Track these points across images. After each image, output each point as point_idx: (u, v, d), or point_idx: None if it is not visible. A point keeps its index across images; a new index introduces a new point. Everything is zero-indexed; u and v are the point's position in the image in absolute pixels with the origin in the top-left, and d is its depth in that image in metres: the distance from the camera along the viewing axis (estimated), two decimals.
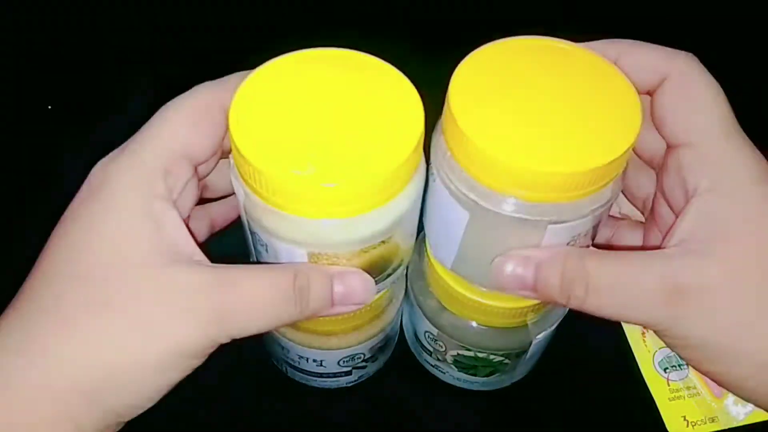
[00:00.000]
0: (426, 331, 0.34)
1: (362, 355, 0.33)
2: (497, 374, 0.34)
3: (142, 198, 0.22)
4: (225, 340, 0.22)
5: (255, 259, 0.28)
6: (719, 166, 0.23)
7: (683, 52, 0.26)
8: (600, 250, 0.25)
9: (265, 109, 0.23)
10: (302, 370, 0.34)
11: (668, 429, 0.35)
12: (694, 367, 0.24)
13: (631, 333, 0.38)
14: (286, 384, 0.36)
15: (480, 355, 0.33)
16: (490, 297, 0.30)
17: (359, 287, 0.25)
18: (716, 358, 0.23)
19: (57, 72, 0.50)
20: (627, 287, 0.23)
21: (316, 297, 0.24)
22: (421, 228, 0.30)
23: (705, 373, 0.24)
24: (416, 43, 0.50)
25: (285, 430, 0.35)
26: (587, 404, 0.36)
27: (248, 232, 0.26)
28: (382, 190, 0.23)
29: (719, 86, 0.25)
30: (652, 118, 0.26)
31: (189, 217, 0.25)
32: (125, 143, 0.24)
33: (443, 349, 0.34)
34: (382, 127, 0.23)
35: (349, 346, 0.32)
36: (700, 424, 0.35)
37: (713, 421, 0.35)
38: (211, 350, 0.22)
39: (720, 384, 0.24)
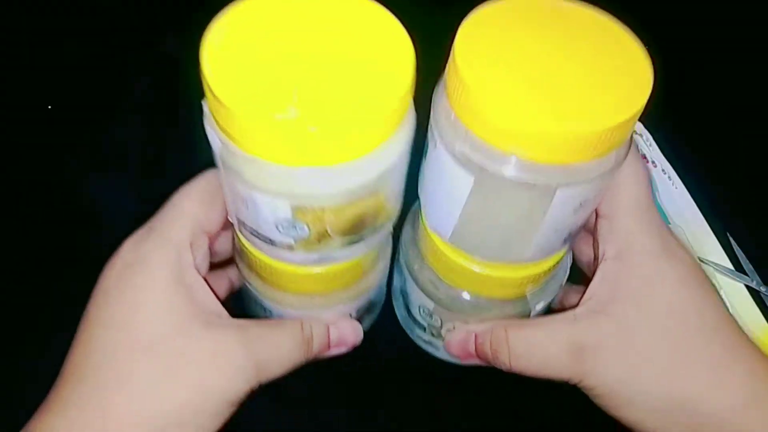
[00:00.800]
0: (420, 306, 0.33)
1: (347, 317, 0.32)
2: None
3: (174, 271, 0.26)
4: (256, 386, 0.26)
5: (234, 219, 0.27)
6: (625, 237, 0.27)
7: None
8: (521, 320, 0.30)
9: (241, 50, 0.22)
10: None
11: None
12: (611, 415, 0.28)
13: None
14: None
15: None
16: (488, 267, 0.29)
17: (350, 332, 0.30)
18: (619, 405, 0.27)
19: (57, 72, 0.50)
20: (539, 350, 0.27)
21: (318, 342, 0.29)
22: (415, 197, 0.29)
23: (616, 419, 0.28)
24: None
25: (272, 410, 0.35)
26: (586, 404, 0.36)
27: (228, 190, 0.25)
28: (368, 136, 0.22)
29: (642, 166, 0.28)
30: None
31: (206, 278, 0.29)
32: (149, 223, 0.28)
33: (438, 324, 0.33)
34: (370, 69, 0.22)
35: (334, 305, 0.31)
36: None
37: None
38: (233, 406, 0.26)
39: (630, 427, 0.28)
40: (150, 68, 0.50)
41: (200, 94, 0.24)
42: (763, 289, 0.40)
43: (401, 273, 0.34)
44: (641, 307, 0.26)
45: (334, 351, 0.30)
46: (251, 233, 0.26)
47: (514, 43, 0.23)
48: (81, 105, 0.48)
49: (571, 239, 0.28)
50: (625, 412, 0.27)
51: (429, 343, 0.35)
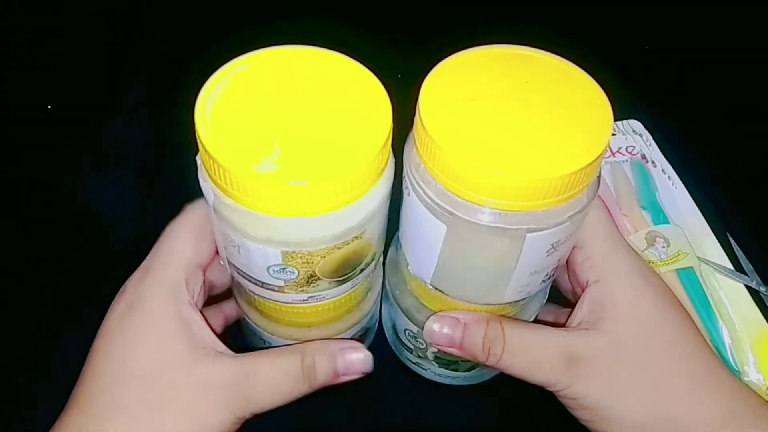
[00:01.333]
0: (406, 329, 0.34)
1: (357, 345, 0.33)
2: (477, 368, 0.34)
3: (171, 309, 0.27)
4: (249, 416, 0.27)
5: (226, 263, 0.28)
6: (601, 263, 0.29)
7: None
8: (516, 319, 0.30)
9: (231, 107, 0.23)
10: None
11: None
12: (590, 429, 0.28)
13: None
14: None
15: None
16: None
17: (358, 361, 0.29)
18: (604, 417, 0.27)
19: (57, 72, 0.50)
20: (535, 351, 0.28)
21: (322, 372, 0.28)
22: (397, 226, 0.29)
23: (593, 429, 0.28)
24: (392, 42, 0.50)
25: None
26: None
27: (220, 236, 0.26)
28: (353, 187, 0.23)
29: (601, 204, 0.30)
30: None
31: (202, 311, 0.30)
32: (145, 263, 0.29)
33: (423, 346, 0.33)
34: (352, 122, 0.23)
35: (332, 335, 0.32)
36: None
37: None
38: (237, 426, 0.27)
39: None
40: (150, 68, 0.50)
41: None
42: (762, 289, 0.40)
43: (387, 298, 0.34)
44: (628, 326, 0.28)
45: (344, 379, 0.30)
46: (242, 276, 0.28)
47: (478, 93, 0.24)
48: (81, 105, 0.48)
49: (550, 279, 0.29)
50: (606, 427, 0.28)
51: (416, 364, 0.36)
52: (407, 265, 0.31)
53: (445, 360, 0.34)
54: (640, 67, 0.54)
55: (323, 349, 0.29)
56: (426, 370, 0.35)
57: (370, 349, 0.30)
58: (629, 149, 0.47)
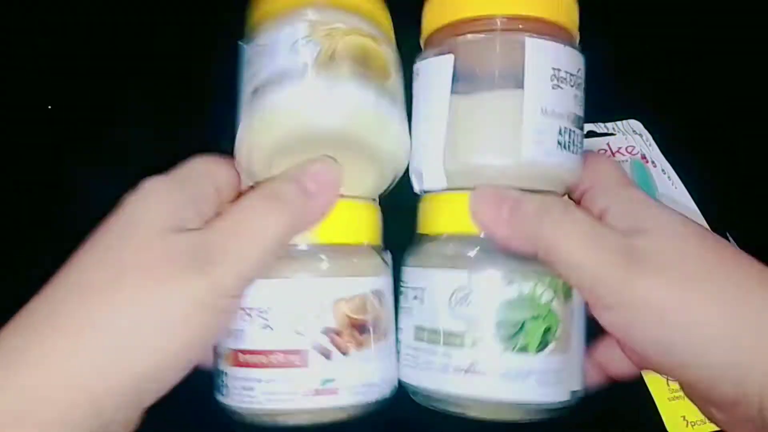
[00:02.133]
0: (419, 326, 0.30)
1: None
2: (552, 344, 0.27)
3: (168, 190, 0.27)
4: (233, 280, 0.25)
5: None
6: (616, 192, 0.28)
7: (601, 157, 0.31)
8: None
9: None
10: None
11: (668, 429, 0.35)
12: (659, 365, 0.25)
13: None
14: None
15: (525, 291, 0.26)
16: None
17: (323, 169, 0.28)
18: (682, 330, 0.24)
19: (57, 72, 0.50)
20: (593, 232, 0.25)
21: (292, 197, 0.27)
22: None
23: (642, 346, 0.25)
24: None
25: None
26: (586, 403, 0.36)
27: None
28: None
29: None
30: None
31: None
32: (171, 171, 0.29)
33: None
34: None
35: None
36: (699, 424, 0.35)
37: None
38: (226, 300, 0.25)
39: (671, 372, 0.25)
40: (150, 68, 0.50)
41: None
42: None
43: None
44: (678, 232, 0.26)
45: (320, 201, 0.28)
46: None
47: None
48: (81, 105, 0.48)
49: (569, 141, 0.28)
50: (686, 345, 0.24)
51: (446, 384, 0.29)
52: (420, 182, 0.29)
53: (505, 327, 0.26)
54: (640, 67, 0.54)
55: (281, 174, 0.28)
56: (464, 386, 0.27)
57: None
58: (629, 149, 0.47)
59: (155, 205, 0.27)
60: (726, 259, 0.25)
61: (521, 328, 0.26)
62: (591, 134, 0.49)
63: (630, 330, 0.25)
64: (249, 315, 0.27)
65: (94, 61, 0.50)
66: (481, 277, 0.27)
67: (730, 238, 0.42)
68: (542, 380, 0.26)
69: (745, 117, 0.50)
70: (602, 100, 0.51)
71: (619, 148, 0.48)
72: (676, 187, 0.45)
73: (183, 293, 0.25)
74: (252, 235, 0.26)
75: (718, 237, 0.26)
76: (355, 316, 0.28)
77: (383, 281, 0.29)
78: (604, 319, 0.26)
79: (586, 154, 0.30)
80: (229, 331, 0.28)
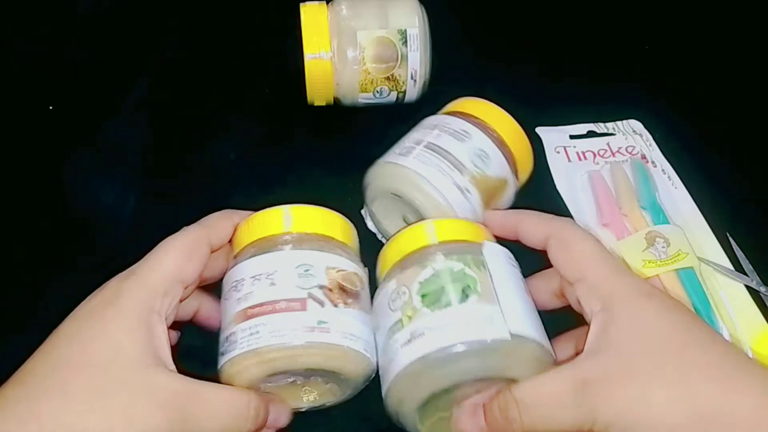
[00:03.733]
0: None
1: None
2: (472, 296, 0.31)
3: (143, 312, 0.29)
4: None
5: None
6: (603, 290, 0.30)
7: (560, 217, 0.34)
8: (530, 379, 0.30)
9: None
10: None
11: None
12: None
13: None
14: None
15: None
16: None
17: (283, 414, 0.32)
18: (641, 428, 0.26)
19: (57, 72, 0.50)
20: (547, 397, 0.28)
21: (260, 416, 0.30)
22: None
23: None
24: None
25: None
26: None
27: None
28: None
29: (589, 233, 0.32)
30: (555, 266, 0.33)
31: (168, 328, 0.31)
32: (133, 267, 0.31)
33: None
34: None
35: None
36: None
37: None
38: None
39: None
40: (150, 68, 0.50)
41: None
42: (762, 289, 0.40)
43: None
44: (637, 338, 0.28)
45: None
46: None
47: None
48: (82, 105, 0.48)
49: None
50: None
51: None
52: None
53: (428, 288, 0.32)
54: (640, 66, 0.54)
55: (274, 400, 0.31)
56: None
57: None
58: (629, 149, 0.47)
59: (132, 332, 0.28)
60: (687, 356, 0.27)
61: (442, 292, 0.31)
62: (591, 134, 0.48)
63: None
64: (258, 279, 0.32)
65: (95, 61, 0.50)
66: (405, 275, 0.33)
67: (731, 239, 0.42)
68: (472, 323, 0.30)
69: (746, 117, 0.50)
70: (602, 100, 0.51)
71: (619, 148, 0.47)
72: (676, 187, 0.45)
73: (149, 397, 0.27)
74: (219, 424, 0.29)
75: (688, 324, 0.28)
76: (344, 283, 0.33)
77: (364, 272, 0.35)
78: None
79: (551, 228, 0.33)
80: (237, 299, 0.32)
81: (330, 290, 0.32)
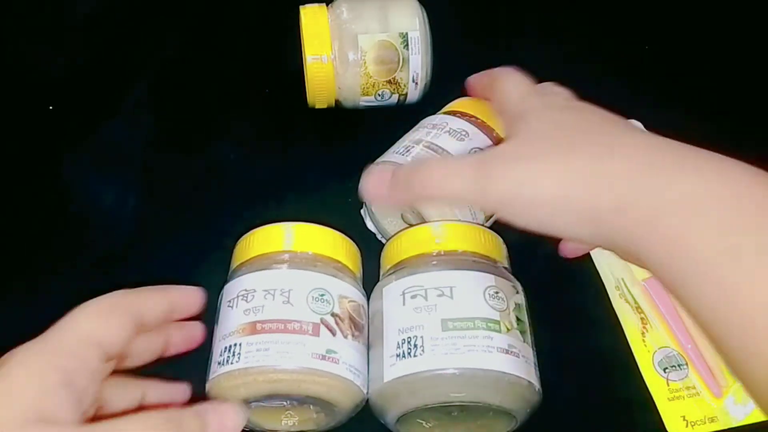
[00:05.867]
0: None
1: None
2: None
3: (36, 370, 0.25)
4: None
5: None
6: (517, 109, 0.31)
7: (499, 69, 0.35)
8: None
9: None
10: None
11: (668, 429, 0.35)
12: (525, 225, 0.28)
13: (631, 333, 0.38)
14: None
15: None
16: None
17: (230, 409, 0.27)
18: (527, 204, 0.27)
19: (57, 72, 0.50)
20: (450, 169, 0.29)
21: (188, 420, 0.26)
22: None
23: (544, 235, 0.28)
24: None
25: None
26: (587, 404, 0.36)
27: None
28: None
29: (524, 78, 0.33)
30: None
31: (93, 402, 0.27)
32: (47, 331, 0.27)
33: None
34: None
35: None
36: (699, 424, 0.35)
37: (713, 421, 0.35)
38: None
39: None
40: (150, 69, 0.50)
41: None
42: None
43: None
44: (533, 130, 0.29)
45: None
46: None
47: None
48: (82, 105, 0.48)
49: None
50: (530, 220, 0.27)
51: None
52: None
53: None
54: (640, 66, 0.54)
55: (192, 407, 0.27)
56: None
57: None
58: None
59: (20, 390, 0.24)
60: (577, 134, 0.28)
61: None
62: None
63: (512, 220, 0.28)
64: (271, 294, 0.32)
65: (95, 62, 0.50)
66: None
67: None
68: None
69: (747, 117, 0.50)
70: (602, 100, 0.51)
71: None
72: None
73: None
74: None
75: (588, 112, 0.30)
76: (354, 314, 0.33)
77: (366, 306, 0.35)
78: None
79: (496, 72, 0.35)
80: (245, 310, 0.32)
81: (341, 319, 0.32)
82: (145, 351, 0.31)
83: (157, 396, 0.31)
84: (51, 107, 0.47)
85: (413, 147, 0.38)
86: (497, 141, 0.39)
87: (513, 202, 0.27)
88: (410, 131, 0.41)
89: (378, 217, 0.41)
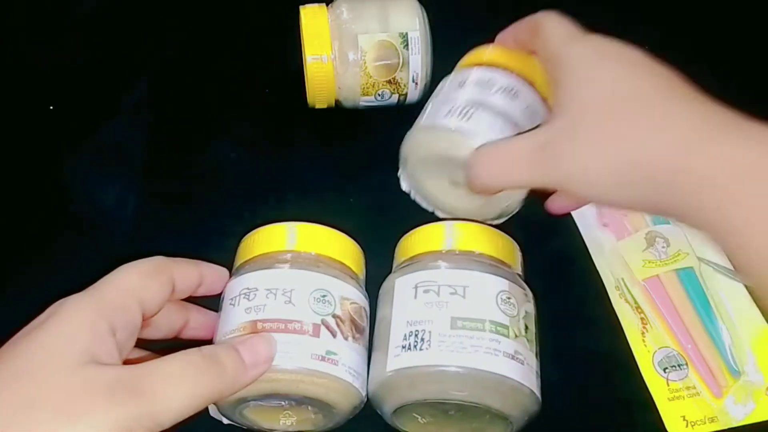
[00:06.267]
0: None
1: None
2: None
3: (87, 318, 0.27)
4: (149, 423, 0.25)
5: None
6: (561, 60, 0.31)
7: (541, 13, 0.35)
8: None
9: None
10: None
11: (668, 429, 0.35)
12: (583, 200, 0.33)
13: (631, 333, 0.38)
14: None
15: None
16: None
17: (262, 342, 0.30)
18: (590, 185, 0.28)
19: (57, 72, 0.50)
20: (509, 153, 0.32)
21: (225, 357, 0.28)
22: None
23: (603, 201, 0.30)
24: None
25: None
26: (587, 404, 0.36)
27: None
28: None
29: (564, 20, 0.33)
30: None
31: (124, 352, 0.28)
32: (95, 284, 0.29)
33: None
34: None
35: None
36: (699, 424, 0.35)
37: (713, 421, 0.35)
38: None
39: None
40: (150, 68, 0.50)
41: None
42: None
43: None
44: (585, 99, 0.29)
45: (254, 371, 0.29)
46: None
47: None
48: (81, 105, 0.48)
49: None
50: (599, 192, 0.28)
51: None
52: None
53: None
54: None
55: (224, 341, 0.30)
56: None
57: None
58: None
59: (75, 335, 0.26)
60: (631, 103, 0.28)
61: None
62: None
63: (578, 194, 0.30)
64: (273, 293, 0.31)
65: (95, 62, 0.50)
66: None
67: None
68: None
69: (748, 115, 0.50)
70: None
71: None
72: None
73: (102, 425, 0.24)
74: (183, 386, 0.26)
75: (640, 74, 0.30)
76: (355, 316, 0.33)
77: (368, 308, 0.35)
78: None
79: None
80: (247, 309, 0.31)
81: (342, 321, 0.32)
82: (166, 324, 0.33)
83: (197, 321, 0.34)
84: (51, 107, 0.47)
85: (471, 110, 0.36)
86: (540, 96, 0.37)
87: (581, 179, 0.28)
88: (449, 84, 0.39)
89: (422, 177, 0.40)
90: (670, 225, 0.42)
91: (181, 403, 0.26)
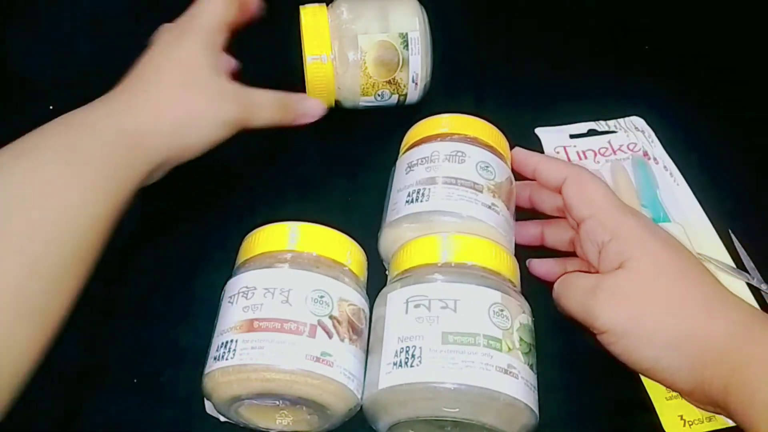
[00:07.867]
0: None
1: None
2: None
3: (208, 39, 0.39)
4: (245, 123, 0.39)
5: None
6: (613, 224, 0.35)
7: (575, 164, 0.40)
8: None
9: None
10: None
11: (665, 428, 0.35)
12: (617, 355, 0.33)
13: None
14: None
15: None
16: None
17: (315, 105, 0.43)
18: (632, 344, 0.32)
19: (58, 72, 0.50)
20: (575, 286, 0.35)
21: (296, 101, 0.42)
22: None
23: (631, 366, 0.33)
24: None
25: None
26: (585, 403, 0.36)
27: None
28: None
29: (600, 179, 0.37)
30: (564, 207, 0.38)
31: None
32: (186, 16, 0.41)
33: None
34: None
35: None
36: (697, 424, 0.35)
37: (710, 420, 0.35)
38: (236, 131, 0.39)
39: (646, 373, 0.33)
40: None
41: None
42: (764, 287, 0.40)
43: None
44: (643, 263, 0.33)
45: (301, 120, 0.42)
46: None
47: None
48: (81, 105, 0.48)
49: None
50: (638, 352, 0.32)
51: None
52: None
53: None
54: (642, 63, 0.54)
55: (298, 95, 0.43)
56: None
57: None
58: (630, 146, 0.47)
59: (196, 53, 0.39)
60: (683, 284, 0.33)
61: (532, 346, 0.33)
62: (592, 132, 0.48)
63: (609, 348, 0.34)
64: (271, 293, 0.32)
65: (96, 62, 0.50)
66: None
67: (733, 236, 0.42)
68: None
69: (747, 114, 0.50)
70: (604, 97, 0.51)
71: (621, 145, 0.47)
72: (678, 184, 0.45)
73: (226, 113, 0.39)
74: (266, 113, 0.41)
75: (686, 258, 0.34)
76: (353, 318, 0.33)
77: (367, 308, 0.35)
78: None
79: (569, 170, 0.37)
80: (244, 307, 0.32)
81: (339, 322, 0.32)
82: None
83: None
84: (51, 107, 0.47)
85: (428, 188, 0.36)
86: (488, 148, 0.38)
87: (626, 334, 0.32)
88: (397, 182, 0.39)
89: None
90: (670, 223, 0.42)
91: (262, 114, 0.40)
